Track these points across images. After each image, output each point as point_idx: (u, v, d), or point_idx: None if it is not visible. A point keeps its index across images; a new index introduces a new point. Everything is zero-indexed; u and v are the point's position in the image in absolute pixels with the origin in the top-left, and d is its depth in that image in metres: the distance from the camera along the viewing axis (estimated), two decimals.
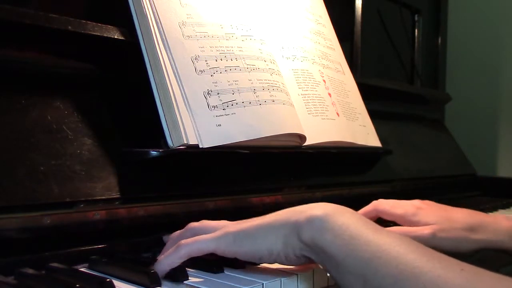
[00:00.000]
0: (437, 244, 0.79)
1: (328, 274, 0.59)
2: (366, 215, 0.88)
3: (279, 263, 0.57)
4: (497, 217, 0.88)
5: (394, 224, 0.86)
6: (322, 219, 0.52)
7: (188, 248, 0.56)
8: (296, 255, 0.54)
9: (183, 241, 0.57)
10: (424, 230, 0.80)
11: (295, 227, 0.53)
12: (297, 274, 0.59)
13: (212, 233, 0.57)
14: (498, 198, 1.37)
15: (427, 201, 0.88)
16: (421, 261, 0.48)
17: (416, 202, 0.87)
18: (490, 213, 1.13)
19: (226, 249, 0.56)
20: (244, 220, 0.59)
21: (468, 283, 0.46)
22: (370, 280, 0.49)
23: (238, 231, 0.56)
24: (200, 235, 0.59)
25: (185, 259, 0.56)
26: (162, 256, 0.58)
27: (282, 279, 0.57)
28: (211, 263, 0.61)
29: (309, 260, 0.55)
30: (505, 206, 1.27)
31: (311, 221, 0.52)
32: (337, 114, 0.98)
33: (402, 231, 0.79)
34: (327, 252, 0.51)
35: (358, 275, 0.49)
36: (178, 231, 0.64)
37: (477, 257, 0.84)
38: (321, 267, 0.55)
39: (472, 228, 0.82)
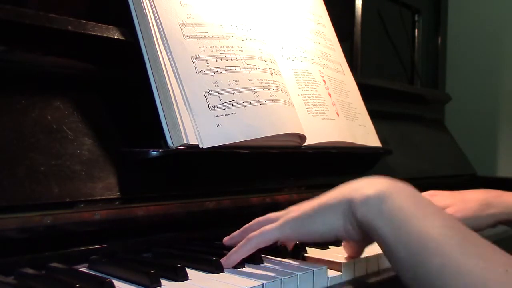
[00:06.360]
0: None
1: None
2: None
3: (340, 238, 0.60)
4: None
5: None
6: (376, 200, 0.53)
7: (256, 240, 0.61)
8: (354, 229, 0.56)
9: (251, 234, 0.61)
10: None
11: (350, 205, 0.55)
12: (297, 274, 0.59)
13: (275, 223, 0.61)
14: None
15: (440, 191, 0.89)
16: (468, 257, 0.48)
17: (429, 192, 0.87)
18: None
19: (289, 235, 0.60)
20: (304, 203, 0.62)
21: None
22: (417, 267, 0.50)
23: (297, 216, 0.59)
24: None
25: (255, 250, 0.61)
26: (233, 250, 0.62)
27: (282, 278, 0.57)
28: (211, 263, 0.61)
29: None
30: None
31: (365, 201, 0.53)
32: (337, 114, 0.98)
33: None
34: (379, 234, 0.52)
35: (406, 260, 0.50)
36: (247, 224, 0.68)
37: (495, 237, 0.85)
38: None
39: (487, 203, 0.83)
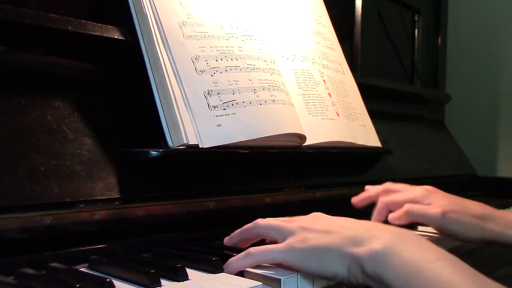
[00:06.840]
0: (446, 226, 0.79)
1: None
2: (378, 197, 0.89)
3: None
4: (509, 212, 0.88)
5: None
6: (383, 254, 0.54)
7: (256, 258, 0.61)
8: (358, 282, 0.56)
9: (252, 250, 0.61)
10: (435, 209, 0.80)
11: (357, 259, 0.55)
12: (297, 274, 0.59)
13: (279, 246, 0.61)
14: (498, 198, 1.37)
15: (439, 190, 0.88)
16: None
17: (429, 187, 0.87)
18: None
19: (292, 265, 0.59)
20: (307, 226, 0.61)
21: None
22: None
23: (304, 248, 0.59)
24: (263, 234, 0.65)
25: (254, 265, 0.61)
26: (233, 259, 0.61)
27: (282, 278, 0.57)
28: (211, 263, 0.61)
29: None
30: (504, 206, 1.27)
31: (372, 257, 0.54)
32: (337, 114, 0.98)
33: (412, 208, 0.81)
34: (390, 286, 0.53)
35: None
36: (246, 225, 0.67)
37: (485, 253, 0.84)
38: None
39: (483, 217, 0.81)
